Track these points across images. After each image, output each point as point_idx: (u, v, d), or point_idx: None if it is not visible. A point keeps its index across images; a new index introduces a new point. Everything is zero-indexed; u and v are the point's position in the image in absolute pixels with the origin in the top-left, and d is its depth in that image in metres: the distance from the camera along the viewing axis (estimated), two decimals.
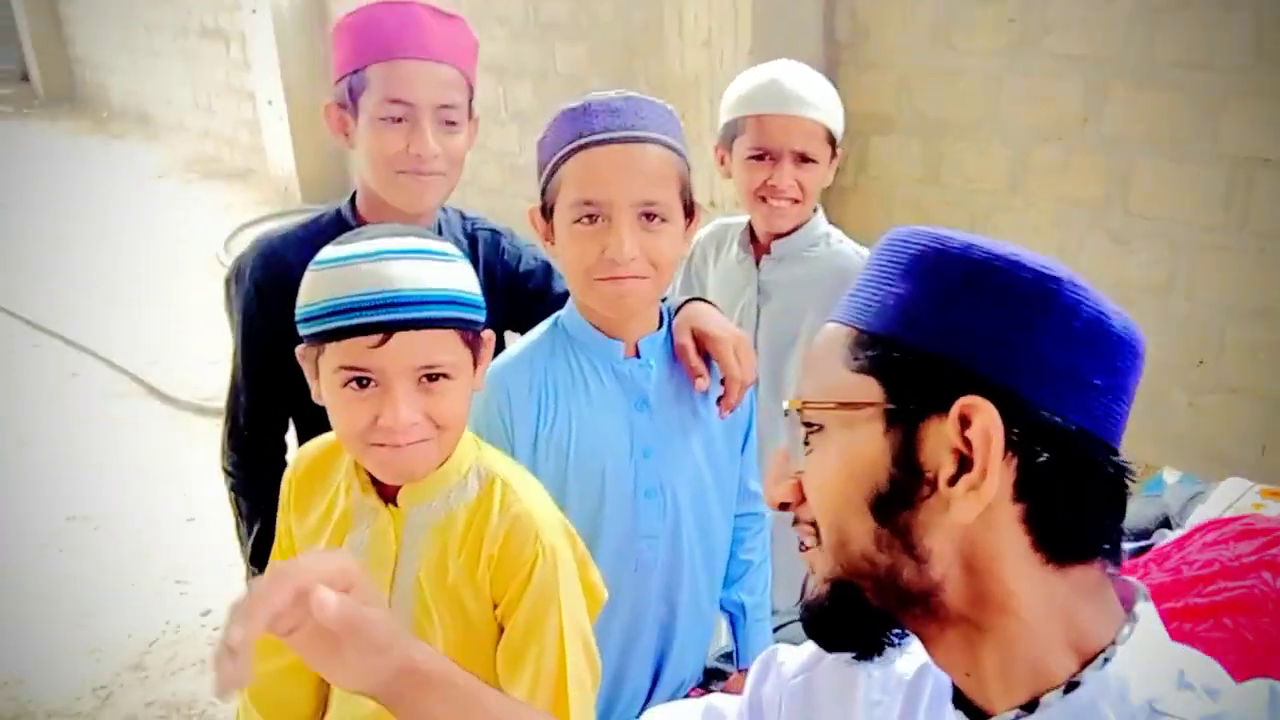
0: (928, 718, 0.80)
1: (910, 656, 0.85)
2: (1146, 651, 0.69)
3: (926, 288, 0.70)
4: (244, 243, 6.51)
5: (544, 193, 1.26)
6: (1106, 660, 0.68)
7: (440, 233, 1.56)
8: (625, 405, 1.30)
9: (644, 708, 1.41)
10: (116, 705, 2.58)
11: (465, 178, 1.50)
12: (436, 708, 0.90)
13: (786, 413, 0.77)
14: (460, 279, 1.08)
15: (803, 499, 0.77)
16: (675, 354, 1.33)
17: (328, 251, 1.06)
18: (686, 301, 1.38)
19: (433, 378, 1.05)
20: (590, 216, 1.20)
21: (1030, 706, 0.69)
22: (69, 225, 6.90)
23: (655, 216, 1.20)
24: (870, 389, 0.71)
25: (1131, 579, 0.75)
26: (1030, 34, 3.20)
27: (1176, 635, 1.35)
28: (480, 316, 1.11)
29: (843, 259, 1.78)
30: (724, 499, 1.41)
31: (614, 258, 1.18)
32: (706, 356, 1.32)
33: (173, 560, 3.18)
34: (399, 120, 1.41)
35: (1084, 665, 0.68)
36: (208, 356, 4.52)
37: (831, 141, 1.76)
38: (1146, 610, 0.71)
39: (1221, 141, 2.87)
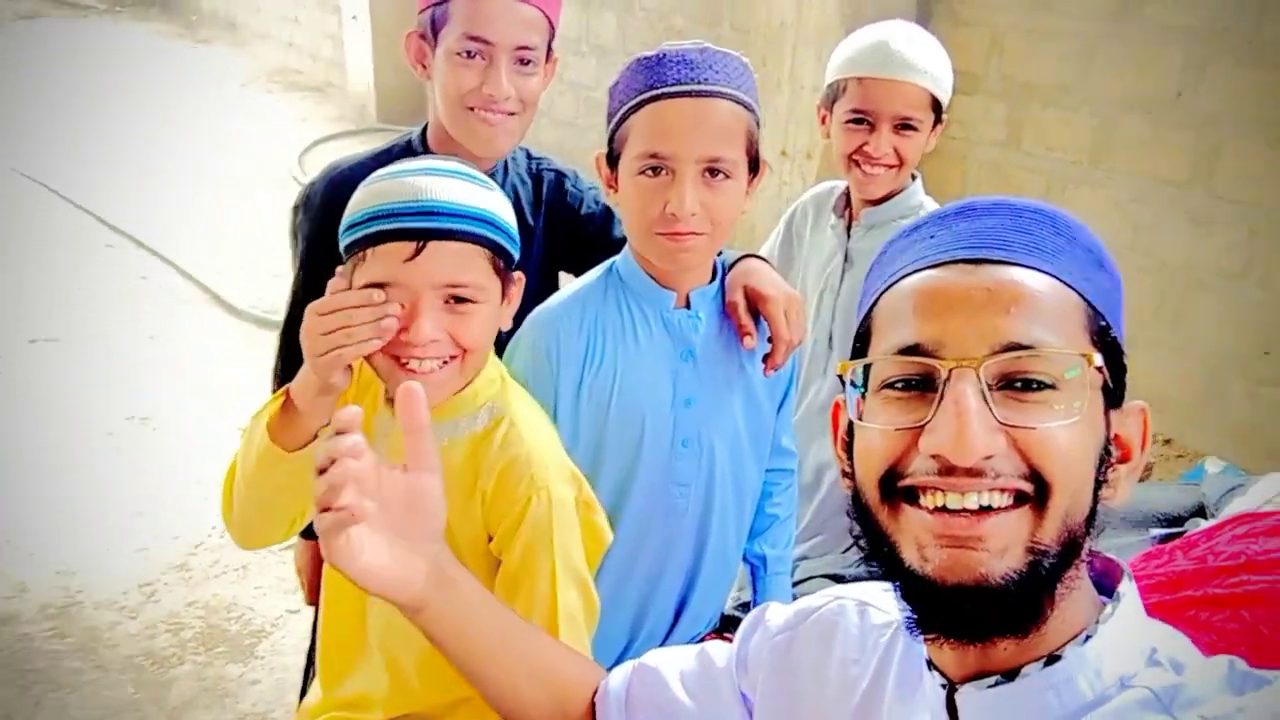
0: (899, 678, 0.83)
1: (883, 612, 0.87)
2: (1125, 630, 0.72)
3: (1117, 289, 0.77)
4: (318, 158, 6.48)
5: (611, 140, 1.27)
6: (1088, 637, 0.71)
7: (506, 171, 1.58)
8: (671, 354, 1.32)
9: (662, 646, 1.45)
10: (160, 602, 2.71)
11: (539, 108, 1.52)
12: (478, 608, 0.96)
13: (1019, 348, 0.69)
14: (496, 204, 1.12)
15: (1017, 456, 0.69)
16: (726, 309, 1.35)
17: (378, 173, 1.12)
18: (742, 257, 1.39)
19: (460, 300, 1.09)
20: (654, 169, 1.21)
21: (1011, 675, 0.72)
22: (149, 127, 7.02)
23: (719, 173, 1.20)
24: (1098, 362, 0.72)
25: (1116, 557, 0.78)
26: (1133, 0, 3.08)
27: (1193, 624, 1.36)
28: (511, 248, 1.14)
29: None
30: (758, 453, 1.44)
31: (674, 212, 1.19)
32: (757, 315, 1.33)
33: (223, 467, 3.26)
34: (475, 56, 1.42)
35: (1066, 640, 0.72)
36: (273, 270, 4.62)
37: (936, 108, 1.72)
38: (1129, 590, 0.75)
39: None
